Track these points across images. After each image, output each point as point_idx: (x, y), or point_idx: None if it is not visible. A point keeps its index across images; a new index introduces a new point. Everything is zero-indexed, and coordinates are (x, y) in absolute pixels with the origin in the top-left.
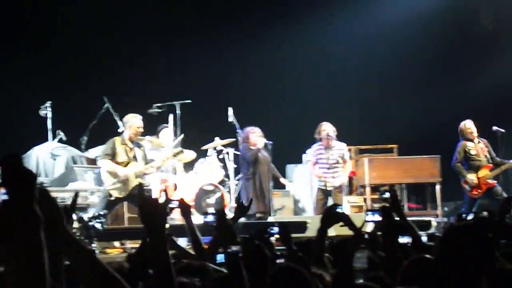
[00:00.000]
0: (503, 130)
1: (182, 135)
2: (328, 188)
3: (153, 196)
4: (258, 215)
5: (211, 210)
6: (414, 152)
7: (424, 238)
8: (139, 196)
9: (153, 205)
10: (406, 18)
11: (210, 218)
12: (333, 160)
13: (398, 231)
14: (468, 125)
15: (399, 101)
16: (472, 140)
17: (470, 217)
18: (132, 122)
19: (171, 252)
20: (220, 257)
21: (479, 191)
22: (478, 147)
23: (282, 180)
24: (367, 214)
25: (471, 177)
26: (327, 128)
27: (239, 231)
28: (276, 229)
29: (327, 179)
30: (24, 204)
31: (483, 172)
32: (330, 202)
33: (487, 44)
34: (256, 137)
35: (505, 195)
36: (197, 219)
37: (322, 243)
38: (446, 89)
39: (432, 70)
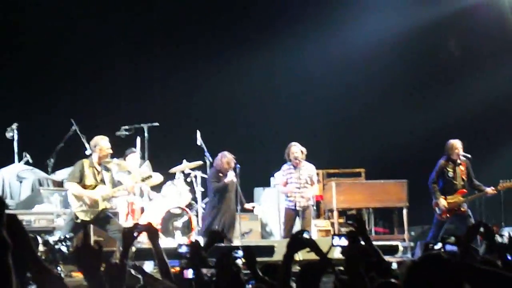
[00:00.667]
0: (469, 156)
1: (148, 162)
2: (297, 208)
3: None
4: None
5: (183, 240)
6: (382, 176)
7: (394, 265)
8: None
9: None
10: (374, 42)
11: (184, 249)
12: (303, 180)
13: (363, 256)
14: (457, 145)
15: (366, 125)
16: (454, 161)
17: (437, 246)
18: (101, 145)
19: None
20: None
21: (448, 215)
22: (457, 170)
23: (246, 205)
24: (334, 238)
25: (443, 201)
26: (296, 150)
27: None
28: (240, 253)
29: (296, 198)
30: None
31: (455, 198)
32: (298, 224)
33: (454, 69)
34: (228, 169)
35: (472, 221)
36: (164, 242)
37: (289, 268)
38: (413, 113)
39: (399, 94)
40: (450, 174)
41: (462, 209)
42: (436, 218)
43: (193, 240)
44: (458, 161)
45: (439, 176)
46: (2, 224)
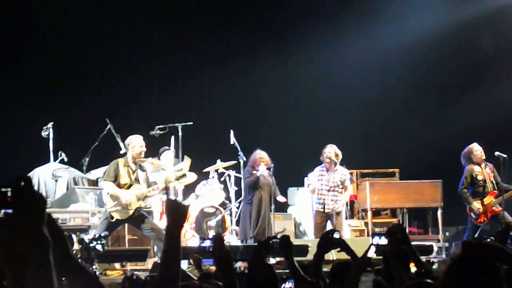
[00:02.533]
0: (505, 155)
1: (189, 160)
2: (326, 210)
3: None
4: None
5: (210, 234)
6: (416, 176)
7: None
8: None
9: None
10: (408, 44)
11: (207, 243)
12: (333, 183)
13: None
14: (476, 148)
15: (401, 126)
16: (479, 164)
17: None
18: (135, 143)
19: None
20: None
21: (485, 218)
22: (484, 172)
23: (278, 198)
24: (373, 237)
25: (477, 205)
26: (330, 151)
27: (239, 254)
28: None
29: (325, 200)
30: (35, 227)
31: (489, 199)
32: (329, 225)
33: (488, 70)
34: (260, 162)
35: (508, 216)
36: (198, 241)
37: (319, 268)
38: (448, 113)
39: (434, 95)
40: (480, 177)
41: (496, 209)
42: (471, 222)
43: (215, 234)
44: (484, 164)
45: (468, 182)
46: (43, 222)
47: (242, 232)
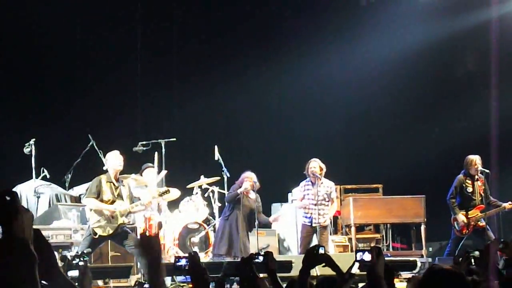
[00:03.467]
0: (487, 171)
1: (165, 171)
2: (313, 225)
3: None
4: (226, 258)
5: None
6: (399, 192)
7: None
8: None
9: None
10: (391, 60)
11: (183, 261)
12: (320, 197)
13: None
14: (476, 161)
15: (384, 141)
16: (472, 176)
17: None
18: (111, 159)
19: None
20: None
21: (467, 231)
22: (475, 185)
23: (271, 219)
24: (357, 253)
25: (462, 217)
26: (314, 166)
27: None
28: (261, 258)
29: (313, 214)
30: (21, 243)
31: (474, 213)
32: (315, 240)
33: (471, 85)
34: (248, 182)
35: (491, 234)
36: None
37: (305, 283)
38: (431, 129)
39: (417, 110)
40: (469, 189)
41: (480, 224)
42: (454, 233)
43: (191, 252)
44: (476, 177)
45: (457, 192)
46: (30, 238)
47: (212, 247)
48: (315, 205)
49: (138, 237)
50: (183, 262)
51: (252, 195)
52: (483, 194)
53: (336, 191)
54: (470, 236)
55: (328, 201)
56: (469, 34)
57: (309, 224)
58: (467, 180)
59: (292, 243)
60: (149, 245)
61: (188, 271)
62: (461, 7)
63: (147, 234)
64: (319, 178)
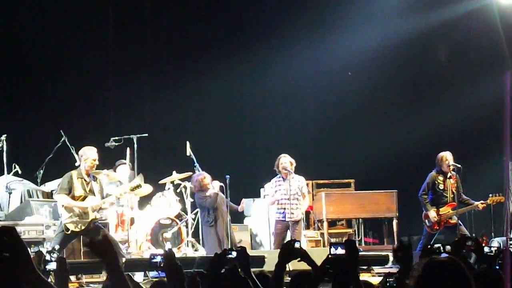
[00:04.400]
0: (459, 165)
1: (141, 175)
2: (287, 219)
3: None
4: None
5: (166, 246)
6: (371, 187)
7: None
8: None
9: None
10: (362, 54)
11: (158, 259)
12: (293, 191)
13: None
14: (447, 157)
15: (356, 136)
16: (444, 173)
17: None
18: (88, 155)
19: None
20: None
21: (438, 227)
22: (448, 182)
23: (240, 208)
24: (331, 248)
25: (433, 213)
26: (285, 161)
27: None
28: (234, 253)
29: (286, 210)
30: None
31: (445, 210)
32: (289, 235)
33: (443, 78)
34: (208, 181)
35: (463, 228)
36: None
37: (281, 278)
38: (402, 123)
39: (389, 104)
40: (441, 186)
41: (452, 221)
42: (426, 230)
43: (167, 249)
44: (449, 174)
45: (429, 189)
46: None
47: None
48: (288, 199)
49: (88, 242)
50: (158, 259)
51: (216, 186)
52: (455, 192)
53: (308, 186)
54: (442, 231)
55: (300, 196)
56: (443, 26)
57: (283, 219)
58: (439, 177)
59: (264, 239)
60: (101, 249)
61: (163, 268)
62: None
63: (96, 238)
64: (290, 172)
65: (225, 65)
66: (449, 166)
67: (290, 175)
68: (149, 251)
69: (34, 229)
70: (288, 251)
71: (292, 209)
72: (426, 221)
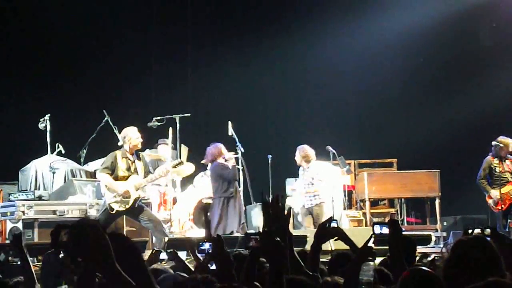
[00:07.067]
0: (501, 145)
1: (187, 149)
2: (306, 206)
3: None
4: (238, 234)
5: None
6: (413, 166)
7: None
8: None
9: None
10: (403, 35)
11: (206, 245)
12: (307, 182)
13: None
14: (507, 142)
15: (398, 116)
16: (500, 157)
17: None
18: (131, 135)
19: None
20: None
21: (503, 206)
22: (504, 165)
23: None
24: (375, 227)
25: (494, 192)
26: (296, 155)
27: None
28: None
29: (303, 199)
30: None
31: (507, 188)
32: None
33: (485, 61)
34: (227, 153)
35: None
36: (197, 232)
37: (317, 259)
38: (444, 104)
39: (432, 85)
40: (498, 169)
41: None
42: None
43: (216, 237)
44: (505, 157)
45: (486, 174)
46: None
47: (229, 227)
48: (304, 189)
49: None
50: (206, 246)
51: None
52: None
53: (350, 165)
54: (508, 211)
55: (312, 186)
56: (484, 6)
57: (303, 206)
58: (494, 161)
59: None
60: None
61: (212, 255)
62: None
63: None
64: (302, 166)
65: (267, 45)
66: (508, 152)
67: (306, 166)
68: (192, 230)
69: (78, 209)
70: (324, 231)
71: (307, 198)
72: (491, 201)
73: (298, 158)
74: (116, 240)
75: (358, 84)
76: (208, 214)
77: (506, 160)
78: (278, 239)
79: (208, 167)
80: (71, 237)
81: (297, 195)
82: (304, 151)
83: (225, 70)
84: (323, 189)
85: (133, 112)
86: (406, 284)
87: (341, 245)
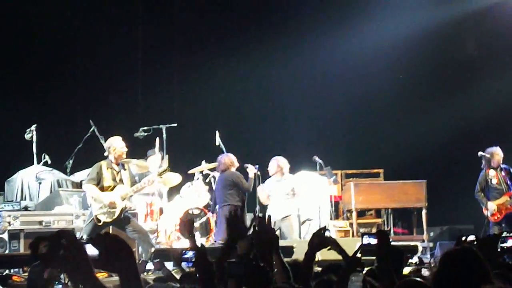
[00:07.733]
0: (488, 155)
1: (166, 159)
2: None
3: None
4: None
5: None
6: (400, 176)
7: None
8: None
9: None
10: (391, 44)
11: (190, 254)
12: (282, 192)
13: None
14: (498, 152)
15: (385, 126)
16: (495, 168)
17: (471, 238)
18: (114, 145)
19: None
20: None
21: (499, 216)
22: (499, 176)
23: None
24: (363, 237)
25: (491, 205)
26: (269, 165)
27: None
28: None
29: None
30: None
31: (503, 199)
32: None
33: (472, 71)
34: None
35: None
36: (183, 243)
37: (310, 268)
38: (431, 114)
39: (418, 94)
40: (494, 180)
41: (510, 206)
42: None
43: (199, 245)
44: (499, 168)
45: (482, 186)
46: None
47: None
48: (276, 199)
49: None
50: (189, 254)
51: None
52: (509, 183)
53: (337, 176)
54: (503, 221)
55: (287, 195)
56: (472, 16)
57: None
58: (490, 173)
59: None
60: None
61: (194, 264)
62: None
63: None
64: (276, 176)
65: (254, 53)
66: (499, 161)
67: (281, 176)
68: (178, 241)
69: (64, 219)
70: (319, 239)
71: (278, 209)
72: (487, 213)
73: (269, 168)
74: (110, 239)
75: (345, 95)
76: (195, 224)
77: (502, 171)
78: (262, 264)
79: (212, 175)
80: (49, 248)
81: (274, 203)
82: (283, 162)
83: (212, 79)
84: (296, 202)
85: (120, 122)
86: None
87: (327, 255)
